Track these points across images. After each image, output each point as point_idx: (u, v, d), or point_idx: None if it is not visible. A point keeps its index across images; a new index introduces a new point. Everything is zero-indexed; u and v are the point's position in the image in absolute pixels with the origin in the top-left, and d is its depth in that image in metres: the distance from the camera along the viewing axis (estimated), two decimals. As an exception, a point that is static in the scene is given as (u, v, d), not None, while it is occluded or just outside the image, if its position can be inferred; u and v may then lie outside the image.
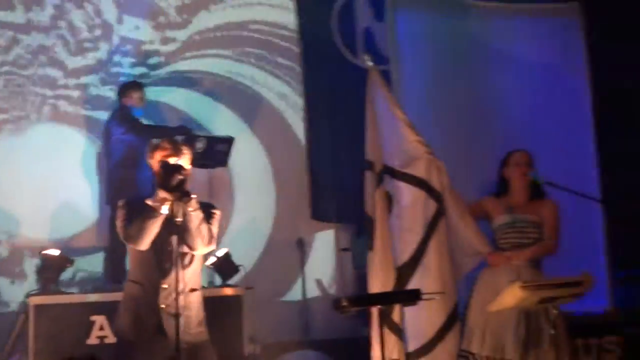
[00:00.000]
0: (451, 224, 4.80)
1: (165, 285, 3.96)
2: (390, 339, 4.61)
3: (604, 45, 6.95)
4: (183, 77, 7.16)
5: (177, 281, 3.85)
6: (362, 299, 4.67)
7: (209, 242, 4.00)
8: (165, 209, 3.89)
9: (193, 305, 4.02)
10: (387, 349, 4.47)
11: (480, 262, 4.87)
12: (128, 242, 3.98)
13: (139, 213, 3.93)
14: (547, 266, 4.89)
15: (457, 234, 4.80)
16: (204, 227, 3.96)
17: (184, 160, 4.02)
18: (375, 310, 4.58)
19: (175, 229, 3.90)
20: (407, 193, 4.85)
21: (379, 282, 4.80)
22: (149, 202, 3.94)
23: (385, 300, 4.58)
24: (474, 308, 4.79)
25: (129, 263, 4.15)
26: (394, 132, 4.92)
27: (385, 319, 4.54)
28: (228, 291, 5.95)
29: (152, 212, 3.90)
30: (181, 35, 7.21)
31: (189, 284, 4.00)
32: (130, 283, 4.08)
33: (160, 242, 3.97)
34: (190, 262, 4.02)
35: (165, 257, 3.97)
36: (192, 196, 3.91)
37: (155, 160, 4.03)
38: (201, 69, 7.24)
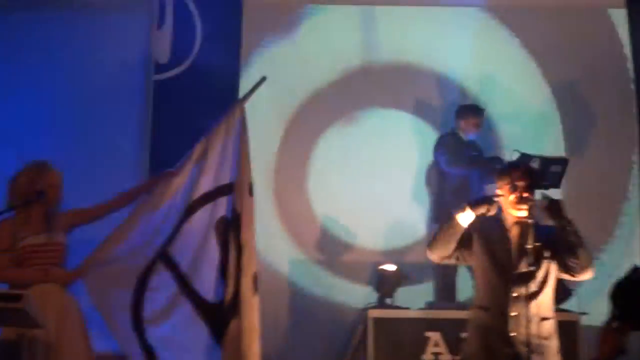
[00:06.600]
0: None
1: (514, 313, 3.88)
2: None
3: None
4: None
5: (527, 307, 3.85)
6: None
7: (590, 264, 3.95)
8: (462, 218, 3.94)
9: (547, 334, 3.93)
10: None
11: None
12: (429, 250, 4.08)
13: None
14: None
15: None
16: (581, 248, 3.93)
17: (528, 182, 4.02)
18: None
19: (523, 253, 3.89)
20: None
21: None
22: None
23: None
24: None
25: (476, 287, 4.15)
26: None
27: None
28: (562, 316, 5.77)
29: (450, 220, 3.98)
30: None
31: (540, 311, 3.92)
32: (476, 309, 4.06)
33: (506, 265, 3.93)
34: (542, 287, 3.93)
35: (512, 282, 3.90)
36: None
37: (503, 183, 4.04)
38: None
